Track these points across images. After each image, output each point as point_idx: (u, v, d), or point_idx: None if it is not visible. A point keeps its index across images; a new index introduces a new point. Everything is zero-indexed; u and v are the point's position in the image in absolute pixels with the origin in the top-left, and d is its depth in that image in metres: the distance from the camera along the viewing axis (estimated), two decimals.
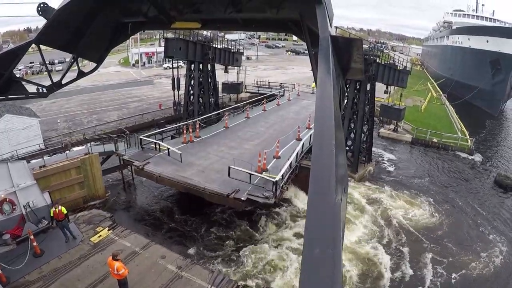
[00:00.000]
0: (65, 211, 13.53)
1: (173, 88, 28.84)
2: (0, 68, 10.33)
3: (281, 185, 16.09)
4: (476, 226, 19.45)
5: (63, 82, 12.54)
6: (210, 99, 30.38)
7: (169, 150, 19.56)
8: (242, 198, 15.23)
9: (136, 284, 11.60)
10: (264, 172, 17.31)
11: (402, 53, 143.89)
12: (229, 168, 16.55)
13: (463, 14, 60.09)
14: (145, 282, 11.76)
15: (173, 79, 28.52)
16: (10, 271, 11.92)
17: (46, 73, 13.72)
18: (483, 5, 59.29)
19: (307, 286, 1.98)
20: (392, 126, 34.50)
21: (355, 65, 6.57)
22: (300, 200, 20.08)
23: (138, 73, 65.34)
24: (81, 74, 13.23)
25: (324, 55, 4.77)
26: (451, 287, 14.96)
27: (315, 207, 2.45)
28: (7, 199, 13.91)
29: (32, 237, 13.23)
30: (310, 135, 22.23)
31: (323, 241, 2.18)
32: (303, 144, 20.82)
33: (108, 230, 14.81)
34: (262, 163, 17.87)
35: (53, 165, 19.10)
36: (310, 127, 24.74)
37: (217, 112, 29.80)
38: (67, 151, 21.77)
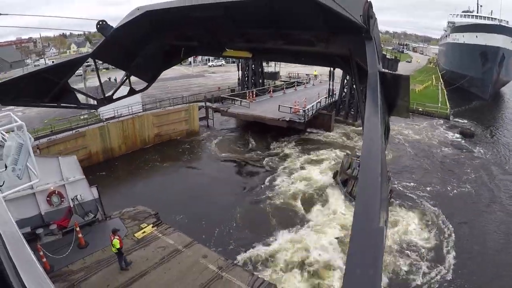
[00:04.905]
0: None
1: (238, 70, 44.43)
2: (56, 77, 10.56)
3: (308, 114, 29.28)
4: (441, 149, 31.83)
5: (114, 97, 12.92)
6: (259, 80, 44.27)
7: (241, 101, 33.21)
8: (286, 119, 28.63)
9: (177, 281, 11.93)
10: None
11: (422, 53, 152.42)
12: (279, 106, 30.18)
13: (463, 14, 69.91)
14: (185, 280, 11.96)
15: (238, 64, 43.59)
16: (55, 260, 12.32)
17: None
18: (481, 5, 69.25)
19: None
20: None
21: (401, 102, 6.42)
22: (314, 133, 33.19)
23: (188, 70, 79.44)
24: (132, 92, 13.45)
25: (372, 90, 4.82)
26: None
27: (360, 231, 2.64)
28: (56, 192, 14.32)
29: (78, 228, 13.71)
30: (325, 97, 36.01)
31: (364, 262, 2.31)
32: (320, 101, 34.25)
33: (153, 227, 15.13)
34: (296, 107, 31.13)
35: (171, 108, 32.04)
36: (326, 96, 37.55)
37: (263, 87, 43.89)
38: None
